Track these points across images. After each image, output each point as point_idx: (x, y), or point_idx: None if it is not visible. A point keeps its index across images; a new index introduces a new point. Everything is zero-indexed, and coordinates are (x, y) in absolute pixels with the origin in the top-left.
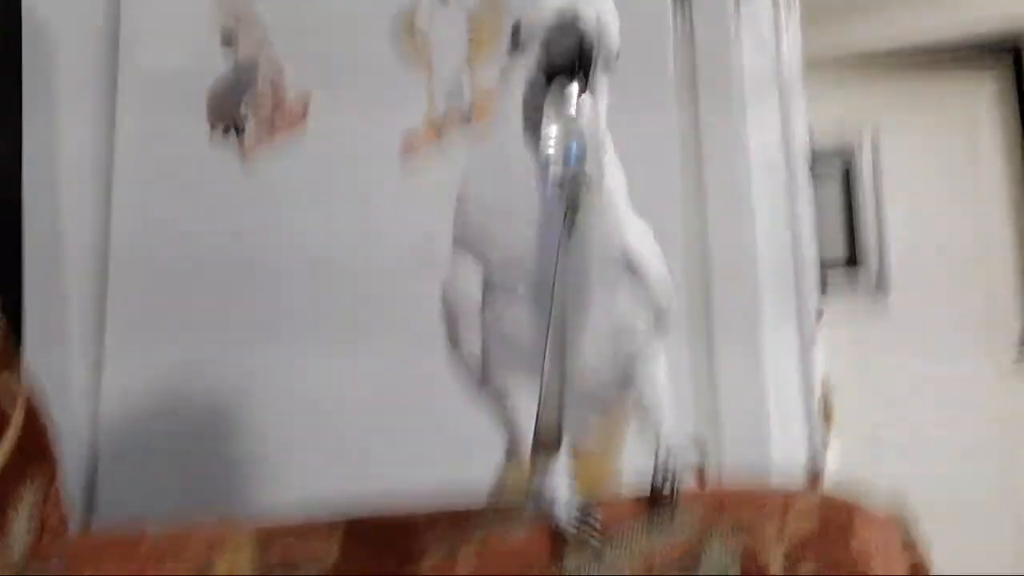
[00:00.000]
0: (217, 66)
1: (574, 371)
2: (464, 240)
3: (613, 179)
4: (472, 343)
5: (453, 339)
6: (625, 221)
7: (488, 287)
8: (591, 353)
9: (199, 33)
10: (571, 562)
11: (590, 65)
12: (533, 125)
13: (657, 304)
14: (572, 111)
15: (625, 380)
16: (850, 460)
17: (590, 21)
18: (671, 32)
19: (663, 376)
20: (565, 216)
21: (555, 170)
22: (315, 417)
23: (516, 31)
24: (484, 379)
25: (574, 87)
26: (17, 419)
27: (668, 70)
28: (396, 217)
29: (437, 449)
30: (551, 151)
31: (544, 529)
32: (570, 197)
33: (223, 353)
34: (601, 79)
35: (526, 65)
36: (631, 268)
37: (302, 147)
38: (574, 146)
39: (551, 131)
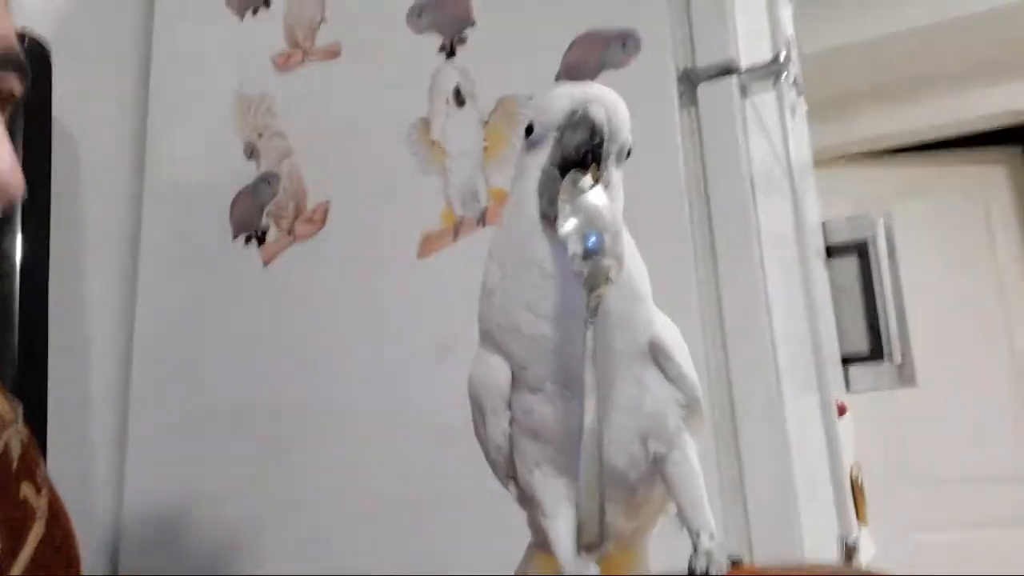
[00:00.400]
0: (240, 177)
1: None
2: (490, 336)
3: (636, 271)
4: (499, 437)
5: (479, 431)
6: (651, 313)
7: (516, 384)
8: (618, 451)
9: (223, 146)
10: None
11: (602, 156)
12: (549, 219)
13: (687, 399)
14: (588, 202)
15: (654, 479)
16: (883, 550)
17: (600, 115)
18: (678, 127)
19: (697, 474)
20: (587, 308)
21: (575, 263)
22: (339, 508)
23: (530, 130)
24: (512, 473)
25: (588, 179)
26: (37, 530)
27: (677, 165)
28: (413, 317)
29: (460, 543)
30: (570, 243)
31: None
32: (591, 288)
33: (245, 448)
34: (615, 173)
35: (539, 161)
36: (659, 361)
37: (321, 251)
38: (593, 237)
39: (568, 223)
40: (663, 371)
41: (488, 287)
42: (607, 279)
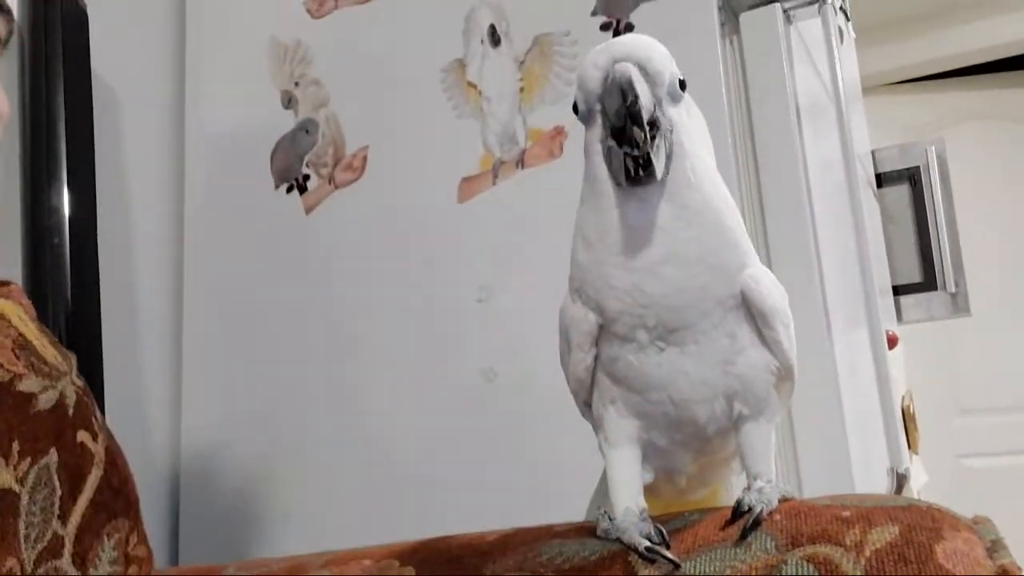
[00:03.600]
0: (279, 126)
1: (673, 413)
2: (582, 291)
3: (722, 203)
4: (581, 371)
5: (564, 360)
6: (746, 255)
7: (605, 332)
8: (700, 406)
9: (261, 96)
10: None
11: (638, 114)
12: (620, 185)
13: (781, 367)
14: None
15: (731, 430)
16: (935, 478)
17: (626, 75)
18: (720, 58)
19: (772, 437)
20: None
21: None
22: (382, 454)
23: (576, 108)
24: (590, 401)
25: (639, 138)
26: (95, 474)
27: (720, 96)
28: (454, 261)
29: (502, 487)
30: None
31: (617, 551)
32: None
33: (293, 394)
34: (674, 110)
35: (597, 135)
36: (759, 323)
37: (362, 198)
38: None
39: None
40: (761, 334)
41: (577, 259)
42: None
